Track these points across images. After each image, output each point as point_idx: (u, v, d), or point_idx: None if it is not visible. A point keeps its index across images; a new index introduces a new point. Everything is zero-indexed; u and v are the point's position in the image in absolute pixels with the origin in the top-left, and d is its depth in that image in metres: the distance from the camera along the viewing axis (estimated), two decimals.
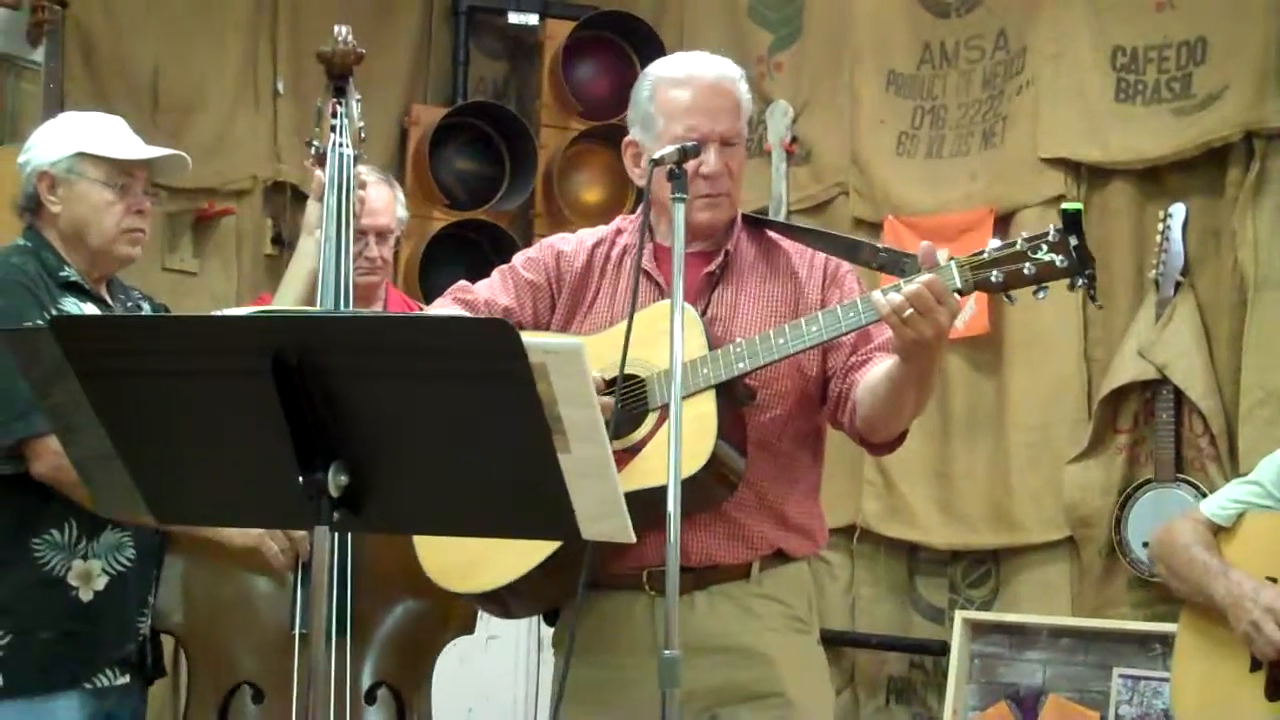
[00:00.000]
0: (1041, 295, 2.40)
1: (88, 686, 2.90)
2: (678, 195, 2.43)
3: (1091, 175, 4.59)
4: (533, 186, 5.48)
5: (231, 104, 5.06)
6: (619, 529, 1.88)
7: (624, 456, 2.49)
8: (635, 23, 5.50)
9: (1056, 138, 4.62)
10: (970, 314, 4.63)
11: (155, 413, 1.96)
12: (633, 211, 2.92)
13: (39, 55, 4.41)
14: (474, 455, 1.89)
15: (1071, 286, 2.38)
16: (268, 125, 5.14)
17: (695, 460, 2.43)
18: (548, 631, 2.81)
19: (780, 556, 2.65)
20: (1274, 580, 2.99)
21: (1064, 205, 2.38)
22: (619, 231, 2.80)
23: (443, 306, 2.77)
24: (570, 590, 2.48)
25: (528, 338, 1.78)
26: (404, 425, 1.89)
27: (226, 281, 5.02)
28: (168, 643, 3.16)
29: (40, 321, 2.71)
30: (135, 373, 1.93)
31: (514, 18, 5.62)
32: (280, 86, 5.15)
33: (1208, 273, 4.38)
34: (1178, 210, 4.35)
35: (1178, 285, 4.33)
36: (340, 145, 3.07)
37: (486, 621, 3.15)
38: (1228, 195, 4.31)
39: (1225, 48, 4.37)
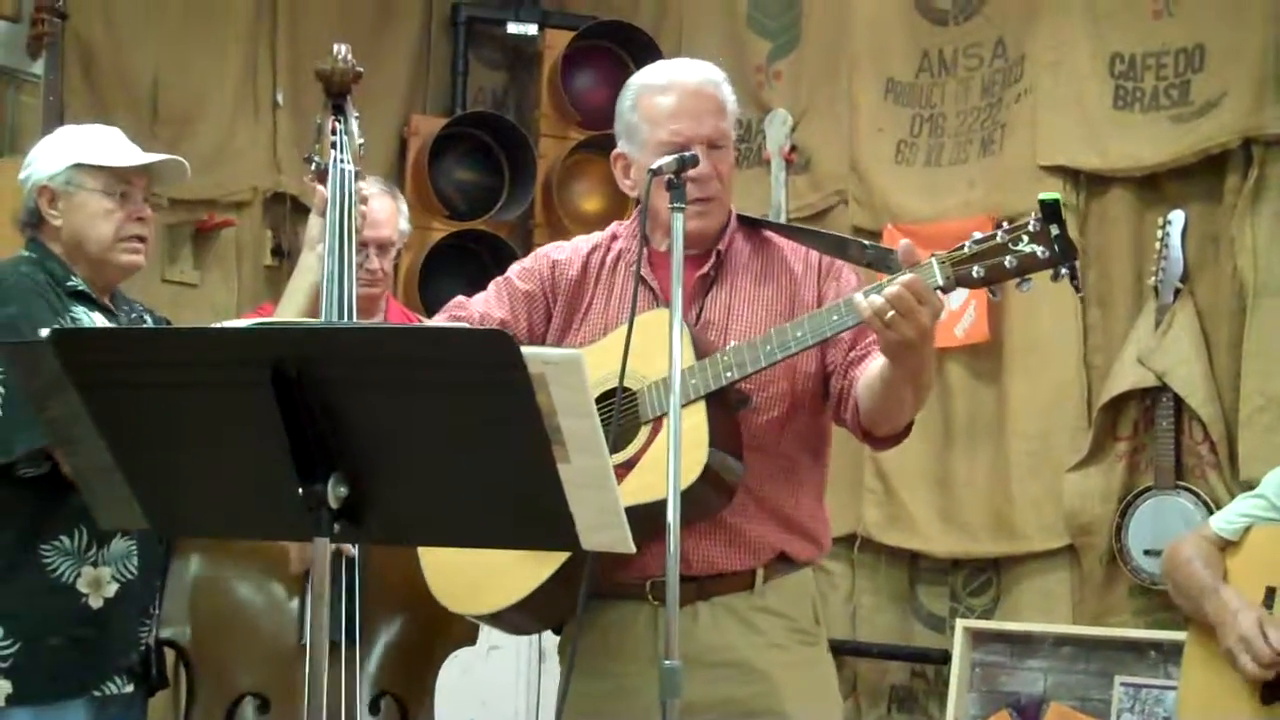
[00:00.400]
0: (1025, 288, 2.36)
1: (95, 695, 2.90)
2: (676, 205, 2.41)
3: (1090, 182, 4.59)
4: (532, 196, 5.48)
5: (231, 115, 5.06)
6: (619, 539, 1.88)
7: (620, 471, 2.46)
8: (634, 32, 5.49)
9: (1055, 145, 4.62)
10: (970, 322, 4.63)
11: (155, 425, 1.96)
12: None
13: (39, 68, 4.41)
14: (474, 466, 1.89)
15: (1055, 277, 2.34)
16: (267, 136, 5.15)
17: (689, 473, 2.42)
18: (549, 642, 2.81)
19: (784, 562, 2.64)
20: (1274, 590, 3.00)
21: (1041, 195, 2.33)
22: (614, 237, 2.80)
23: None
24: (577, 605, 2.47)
25: (527, 349, 1.78)
26: (403, 436, 1.89)
27: (227, 293, 5.02)
28: (167, 655, 3.15)
29: (57, 327, 2.71)
30: (135, 385, 1.93)
31: (513, 28, 5.62)
32: (280, 98, 5.15)
33: (1207, 279, 4.38)
34: (1176, 217, 4.36)
35: (1177, 292, 4.33)
36: (341, 162, 3.07)
37: (488, 632, 3.14)
38: (1226, 202, 4.31)
39: (1223, 55, 4.37)
